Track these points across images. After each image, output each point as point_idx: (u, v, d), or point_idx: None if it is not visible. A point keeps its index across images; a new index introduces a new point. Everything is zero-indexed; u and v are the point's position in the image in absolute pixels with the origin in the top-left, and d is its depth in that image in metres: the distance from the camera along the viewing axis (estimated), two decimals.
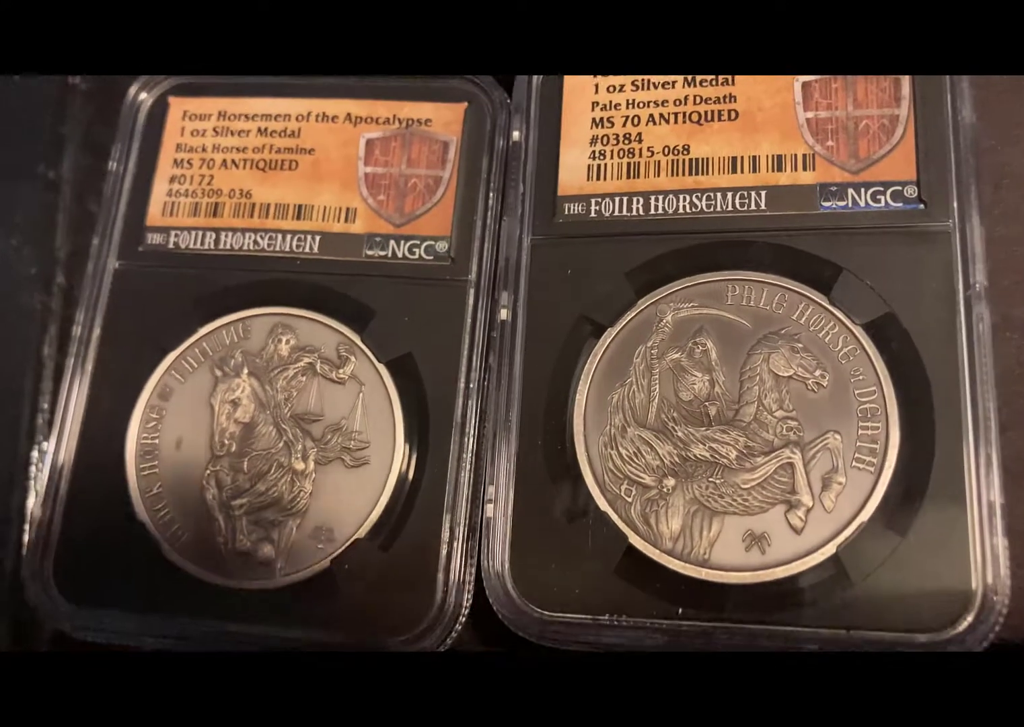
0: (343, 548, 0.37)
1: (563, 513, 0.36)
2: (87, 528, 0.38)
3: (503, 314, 0.39)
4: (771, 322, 0.36)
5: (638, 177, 0.39)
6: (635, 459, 0.36)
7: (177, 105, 0.45)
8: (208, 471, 0.39)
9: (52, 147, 0.49)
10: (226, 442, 0.39)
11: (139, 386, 0.40)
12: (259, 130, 0.44)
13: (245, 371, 0.40)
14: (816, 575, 0.33)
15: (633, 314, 0.37)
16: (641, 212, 0.39)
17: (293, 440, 0.39)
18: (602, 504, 0.35)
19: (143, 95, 0.44)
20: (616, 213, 0.39)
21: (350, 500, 0.38)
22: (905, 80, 0.38)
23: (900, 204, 0.37)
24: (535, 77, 0.42)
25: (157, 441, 0.40)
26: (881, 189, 0.37)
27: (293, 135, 0.43)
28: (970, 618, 0.31)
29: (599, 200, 0.39)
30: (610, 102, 0.41)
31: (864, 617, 0.32)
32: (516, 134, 0.41)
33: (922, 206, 0.36)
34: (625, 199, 0.39)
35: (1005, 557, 0.31)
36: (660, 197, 0.39)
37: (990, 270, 0.35)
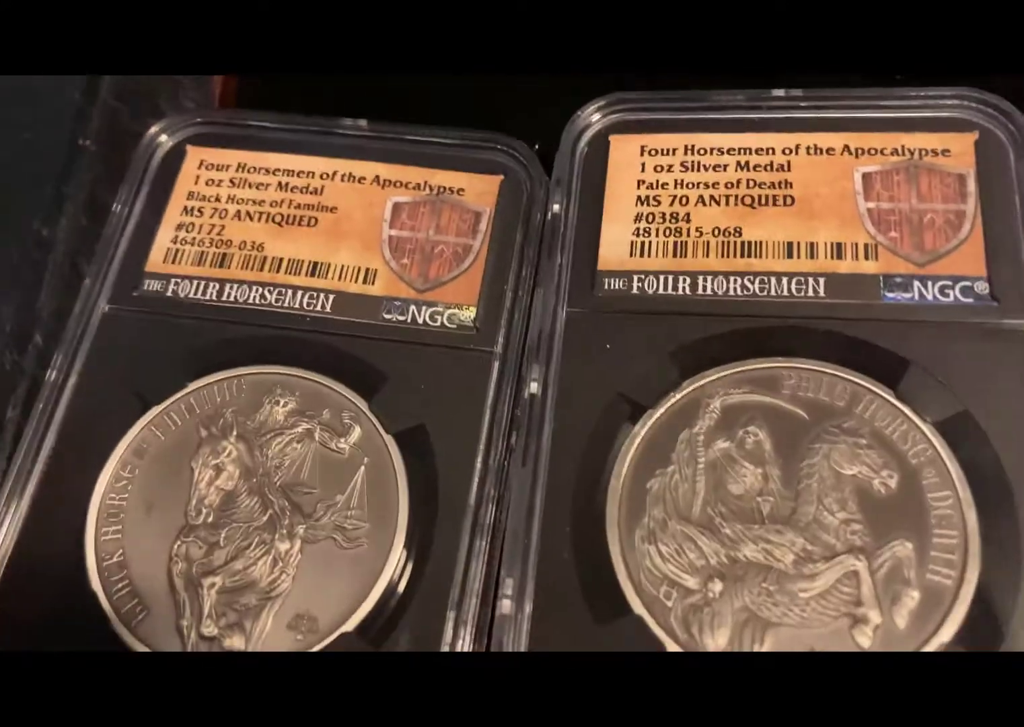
0: (327, 642, 0.32)
1: (592, 615, 0.31)
2: (32, 595, 0.33)
3: (532, 388, 0.35)
4: (831, 415, 0.33)
5: (685, 256, 0.37)
6: (676, 557, 0.31)
7: (195, 154, 0.42)
8: (179, 542, 0.34)
9: (51, 205, 0.47)
10: (203, 510, 0.34)
11: (113, 440, 0.36)
12: (279, 185, 0.41)
13: (234, 433, 0.36)
14: None
15: (677, 396, 0.34)
16: (688, 292, 0.36)
17: (279, 514, 0.34)
18: (637, 607, 0.31)
19: (162, 138, 0.42)
20: (661, 291, 0.36)
21: (339, 587, 0.33)
22: (970, 177, 0.36)
23: (971, 300, 0.34)
24: (579, 151, 0.40)
25: (125, 503, 0.34)
26: (949, 283, 0.34)
27: (315, 192, 0.41)
28: None
29: (642, 277, 0.36)
30: (657, 181, 0.39)
31: None
32: (556, 207, 0.38)
33: (995, 303, 0.34)
34: (671, 277, 0.36)
35: None
36: (709, 278, 0.36)
37: None
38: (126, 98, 0.50)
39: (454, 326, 0.37)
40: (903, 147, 0.38)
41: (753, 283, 0.36)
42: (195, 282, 0.39)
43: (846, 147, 0.38)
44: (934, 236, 0.36)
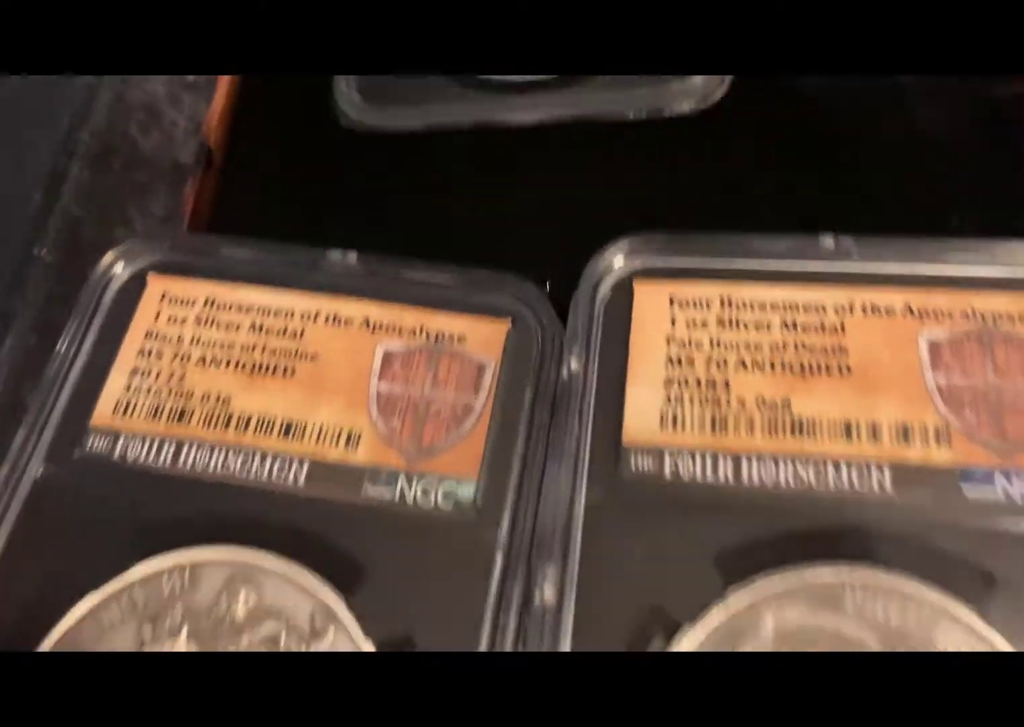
0: None
1: None
2: None
3: (546, 594, 0.29)
4: (904, 642, 0.27)
5: (726, 432, 0.31)
6: None
7: (157, 284, 0.37)
8: None
9: None
10: None
11: (37, 639, 0.29)
12: (252, 326, 0.36)
13: (183, 633, 0.30)
14: None
15: (722, 612, 0.28)
16: (731, 478, 0.30)
17: None
18: None
19: (118, 266, 0.37)
20: (699, 476, 0.31)
21: None
22: None
23: None
24: (599, 298, 0.35)
25: None
26: None
27: (294, 336, 0.35)
28: None
29: (675, 455, 0.31)
30: (689, 339, 0.34)
31: None
32: (574, 362, 0.33)
33: None
34: (709, 458, 0.31)
35: None
36: (756, 461, 0.31)
37: None
38: (90, 203, 0.46)
39: (450, 505, 0.32)
40: (973, 310, 0.33)
41: (807, 470, 0.30)
42: (148, 441, 0.33)
43: (908, 307, 0.33)
44: (1018, 420, 0.31)
